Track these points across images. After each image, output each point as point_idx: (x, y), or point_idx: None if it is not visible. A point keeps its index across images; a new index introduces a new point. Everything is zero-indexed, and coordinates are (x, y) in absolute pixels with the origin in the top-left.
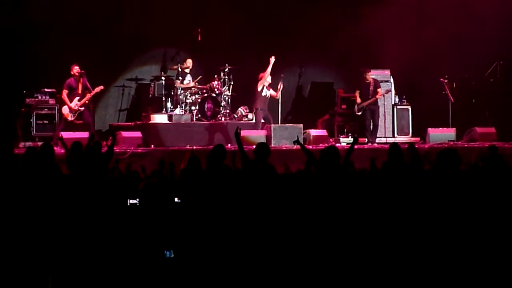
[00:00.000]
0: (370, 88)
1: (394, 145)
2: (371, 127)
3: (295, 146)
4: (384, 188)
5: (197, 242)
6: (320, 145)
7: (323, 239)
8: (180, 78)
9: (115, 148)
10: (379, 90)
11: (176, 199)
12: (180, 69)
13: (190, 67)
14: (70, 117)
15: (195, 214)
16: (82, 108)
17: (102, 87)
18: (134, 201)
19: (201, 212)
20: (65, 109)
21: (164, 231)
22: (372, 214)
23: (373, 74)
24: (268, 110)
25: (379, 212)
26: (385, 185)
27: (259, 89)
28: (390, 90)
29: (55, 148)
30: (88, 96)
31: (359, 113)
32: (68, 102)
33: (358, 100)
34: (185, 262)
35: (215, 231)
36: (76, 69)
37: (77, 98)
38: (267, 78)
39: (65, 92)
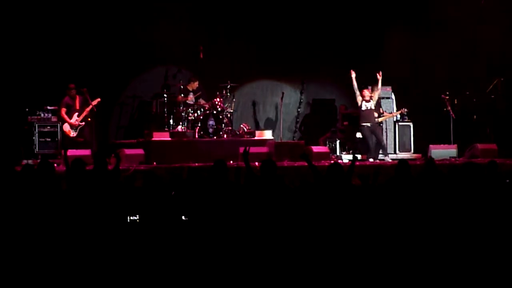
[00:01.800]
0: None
1: (402, 161)
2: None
3: (296, 163)
4: (391, 202)
5: (201, 257)
6: (322, 161)
7: (330, 253)
8: (182, 95)
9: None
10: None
11: (183, 217)
12: (182, 86)
13: (195, 88)
14: (72, 134)
15: (198, 230)
16: (83, 123)
17: (99, 99)
18: (134, 218)
19: (204, 228)
20: (66, 126)
21: (167, 247)
22: (379, 229)
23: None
24: (374, 123)
25: (386, 227)
26: (392, 200)
27: (359, 104)
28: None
29: (56, 165)
30: (87, 109)
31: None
32: (67, 119)
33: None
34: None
35: (219, 246)
36: (72, 89)
37: (76, 114)
38: (375, 95)
39: (63, 110)
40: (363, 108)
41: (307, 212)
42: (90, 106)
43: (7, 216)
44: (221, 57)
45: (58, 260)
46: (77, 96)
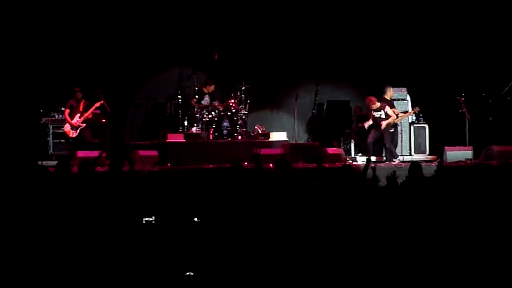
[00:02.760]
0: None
1: (415, 163)
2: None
3: (311, 165)
4: (403, 204)
5: (218, 262)
6: (337, 163)
7: (340, 253)
8: (197, 97)
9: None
10: (394, 109)
11: (195, 219)
12: (197, 88)
13: (210, 91)
14: (72, 134)
15: (215, 233)
16: (84, 125)
17: (102, 101)
18: (150, 219)
19: (221, 231)
20: (66, 127)
21: (183, 251)
22: (390, 231)
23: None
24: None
25: (397, 229)
26: (405, 202)
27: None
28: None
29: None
30: (89, 111)
31: (392, 130)
32: (69, 119)
33: (396, 113)
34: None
35: (236, 250)
36: (78, 92)
37: (78, 115)
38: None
39: (66, 112)
40: (375, 115)
41: (320, 214)
42: (92, 108)
43: (21, 216)
44: (236, 58)
45: (70, 260)
46: (83, 100)
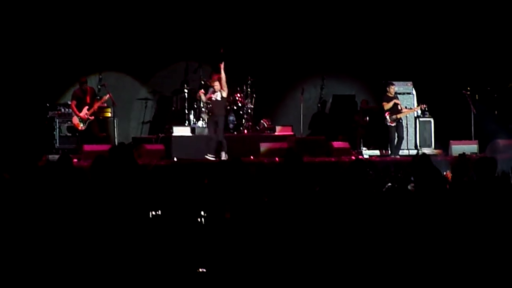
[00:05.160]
0: (396, 101)
1: (423, 156)
2: (396, 139)
3: (316, 159)
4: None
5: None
6: (342, 157)
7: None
8: (203, 90)
9: (138, 161)
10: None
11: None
12: (203, 82)
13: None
14: (80, 127)
15: (218, 229)
16: (92, 117)
17: (109, 95)
18: (157, 213)
19: (224, 227)
20: (75, 119)
21: (192, 246)
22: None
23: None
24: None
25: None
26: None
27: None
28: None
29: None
30: (97, 104)
31: (394, 124)
32: (77, 111)
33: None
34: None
35: (239, 247)
36: (84, 83)
37: (86, 107)
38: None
39: (73, 103)
40: (213, 99)
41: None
42: (100, 102)
43: (26, 212)
44: (242, 52)
45: (76, 256)
46: (89, 90)
